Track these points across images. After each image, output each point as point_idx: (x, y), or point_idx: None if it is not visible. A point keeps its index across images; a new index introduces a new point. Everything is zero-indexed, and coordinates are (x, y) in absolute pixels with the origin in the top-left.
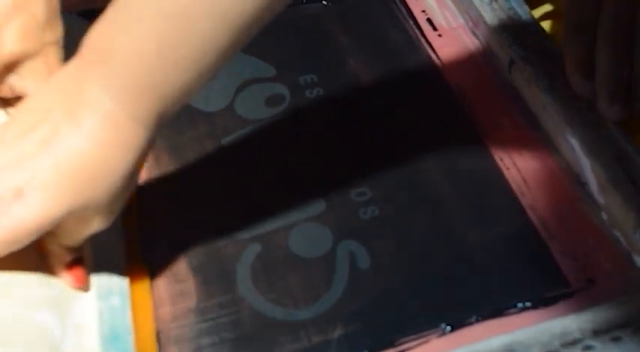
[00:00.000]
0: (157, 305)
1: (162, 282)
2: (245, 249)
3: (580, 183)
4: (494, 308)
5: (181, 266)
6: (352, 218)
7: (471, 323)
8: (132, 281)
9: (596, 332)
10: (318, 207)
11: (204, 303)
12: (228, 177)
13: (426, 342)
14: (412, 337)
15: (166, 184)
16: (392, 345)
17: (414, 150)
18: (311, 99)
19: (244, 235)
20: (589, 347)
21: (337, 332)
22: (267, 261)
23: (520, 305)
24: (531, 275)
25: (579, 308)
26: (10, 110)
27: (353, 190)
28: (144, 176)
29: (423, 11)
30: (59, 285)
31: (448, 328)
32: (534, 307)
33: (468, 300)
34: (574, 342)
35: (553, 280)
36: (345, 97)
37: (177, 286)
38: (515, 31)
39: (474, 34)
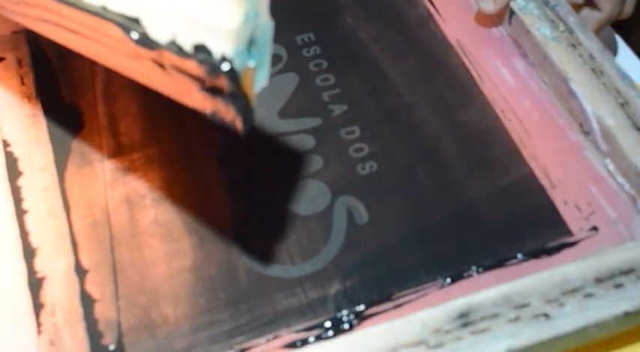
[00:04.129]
0: (151, 264)
1: (156, 241)
2: (242, 206)
3: (583, 131)
4: (495, 259)
5: (176, 225)
6: (350, 174)
7: (471, 275)
8: None
9: (598, 280)
10: (316, 163)
11: (199, 262)
12: (226, 135)
13: (424, 295)
14: (411, 290)
15: (163, 147)
16: (390, 299)
17: (413, 104)
18: (308, 58)
19: (241, 193)
20: (590, 295)
21: (334, 288)
22: (264, 218)
23: (521, 255)
24: (534, 226)
25: (582, 256)
26: None
27: (351, 146)
28: (141, 142)
29: None
30: None
31: (448, 280)
32: (537, 257)
33: (469, 252)
34: (574, 290)
35: (556, 230)
36: (342, 55)
37: (172, 245)
38: None
39: None
